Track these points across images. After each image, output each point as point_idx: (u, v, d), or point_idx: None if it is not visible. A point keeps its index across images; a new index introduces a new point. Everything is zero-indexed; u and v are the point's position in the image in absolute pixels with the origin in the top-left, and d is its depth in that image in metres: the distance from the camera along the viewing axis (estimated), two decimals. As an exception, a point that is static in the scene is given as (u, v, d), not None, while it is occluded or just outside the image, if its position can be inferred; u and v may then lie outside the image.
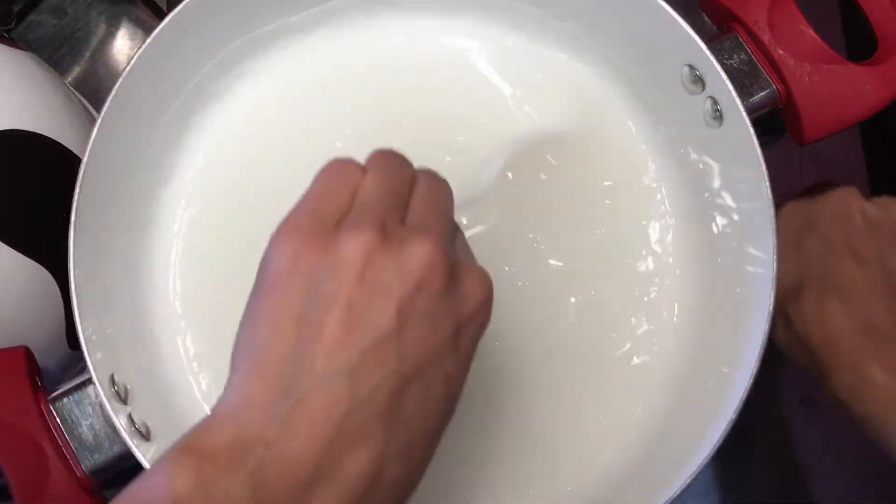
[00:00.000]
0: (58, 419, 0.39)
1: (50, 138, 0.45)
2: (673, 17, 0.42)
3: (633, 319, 0.46)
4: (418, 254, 0.28)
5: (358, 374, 0.26)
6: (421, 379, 0.27)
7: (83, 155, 0.40)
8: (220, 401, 0.27)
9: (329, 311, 0.27)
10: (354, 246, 0.27)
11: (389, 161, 0.32)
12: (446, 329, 0.28)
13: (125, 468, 0.39)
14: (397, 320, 0.27)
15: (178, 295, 0.46)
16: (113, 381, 0.40)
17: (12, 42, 0.48)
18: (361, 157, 0.48)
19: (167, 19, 0.42)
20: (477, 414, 0.45)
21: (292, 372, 0.26)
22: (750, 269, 0.43)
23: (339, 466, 0.26)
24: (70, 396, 0.40)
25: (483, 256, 0.33)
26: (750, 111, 0.42)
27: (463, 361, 0.30)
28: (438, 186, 0.33)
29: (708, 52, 0.42)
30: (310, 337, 0.26)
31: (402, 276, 0.28)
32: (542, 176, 0.47)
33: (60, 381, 0.40)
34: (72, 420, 0.39)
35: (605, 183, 0.47)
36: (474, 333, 0.30)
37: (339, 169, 0.31)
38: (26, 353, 0.41)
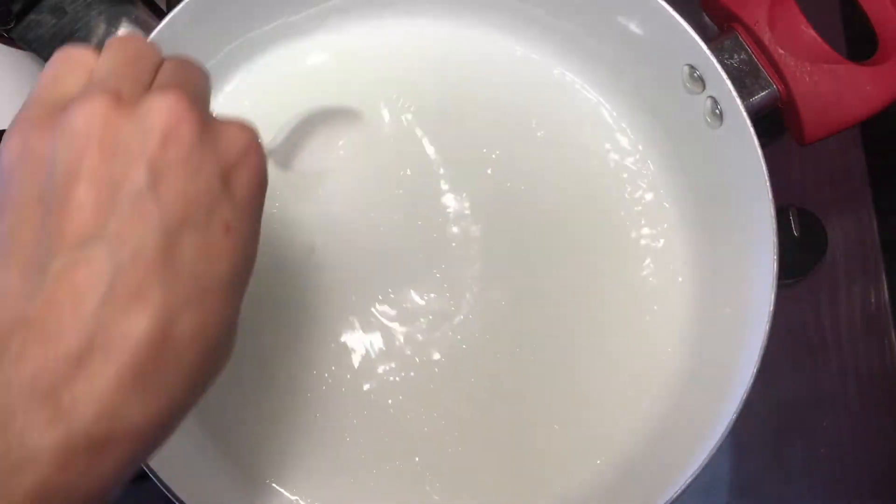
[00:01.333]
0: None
1: (49, 138, 0.44)
2: (673, 17, 0.42)
3: (633, 322, 0.46)
4: (160, 108, 0.26)
5: (117, 235, 0.25)
6: (193, 228, 0.26)
7: (83, 155, 0.40)
8: None
9: (71, 185, 0.25)
10: (85, 114, 0.26)
11: (128, 41, 0.29)
12: (211, 176, 0.27)
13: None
14: (148, 175, 0.25)
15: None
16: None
17: (11, 42, 0.48)
18: (360, 160, 0.48)
19: (167, 19, 0.42)
20: (471, 416, 0.45)
21: (44, 251, 0.25)
22: (749, 267, 0.43)
23: (114, 332, 0.24)
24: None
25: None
26: (750, 111, 0.42)
27: (243, 210, 0.28)
28: (189, 65, 0.30)
29: (708, 52, 0.42)
30: (56, 214, 0.25)
31: (144, 133, 0.26)
32: (539, 178, 0.47)
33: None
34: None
35: (602, 184, 0.47)
36: (248, 179, 0.28)
37: (67, 54, 0.28)
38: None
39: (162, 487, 0.37)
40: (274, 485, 0.44)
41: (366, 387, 0.44)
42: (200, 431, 0.44)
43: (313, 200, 0.46)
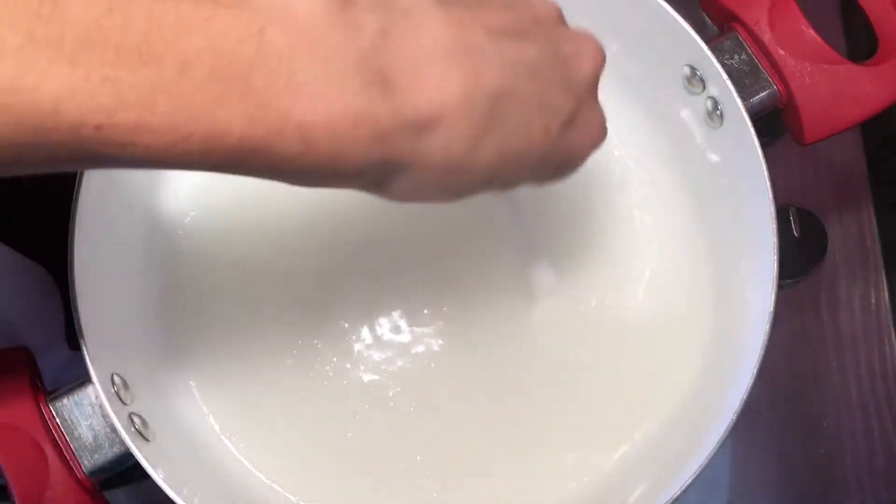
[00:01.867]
0: (58, 419, 0.39)
1: (50, 138, 0.44)
2: (673, 17, 0.42)
3: (632, 322, 0.46)
4: (591, 42, 0.31)
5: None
6: (516, 94, 0.28)
7: (83, 154, 0.40)
8: None
9: None
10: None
11: None
12: (565, 90, 0.30)
13: (125, 468, 0.39)
14: (546, 48, 0.29)
15: (180, 295, 0.46)
16: (113, 381, 0.39)
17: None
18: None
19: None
20: (471, 416, 0.45)
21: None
22: (749, 267, 0.43)
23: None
24: (70, 396, 0.39)
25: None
26: (750, 111, 0.42)
27: (572, 97, 0.31)
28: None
29: (708, 52, 0.42)
30: None
31: (574, 43, 0.31)
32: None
33: (60, 381, 0.40)
34: (72, 420, 0.39)
35: (602, 182, 0.47)
36: (589, 71, 0.32)
37: None
38: (26, 353, 0.41)
39: (161, 488, 0.37)
40: (275, 486, 0.44)
41: (366, 380, 0.45)
42: (197, 430, 0.44)
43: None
